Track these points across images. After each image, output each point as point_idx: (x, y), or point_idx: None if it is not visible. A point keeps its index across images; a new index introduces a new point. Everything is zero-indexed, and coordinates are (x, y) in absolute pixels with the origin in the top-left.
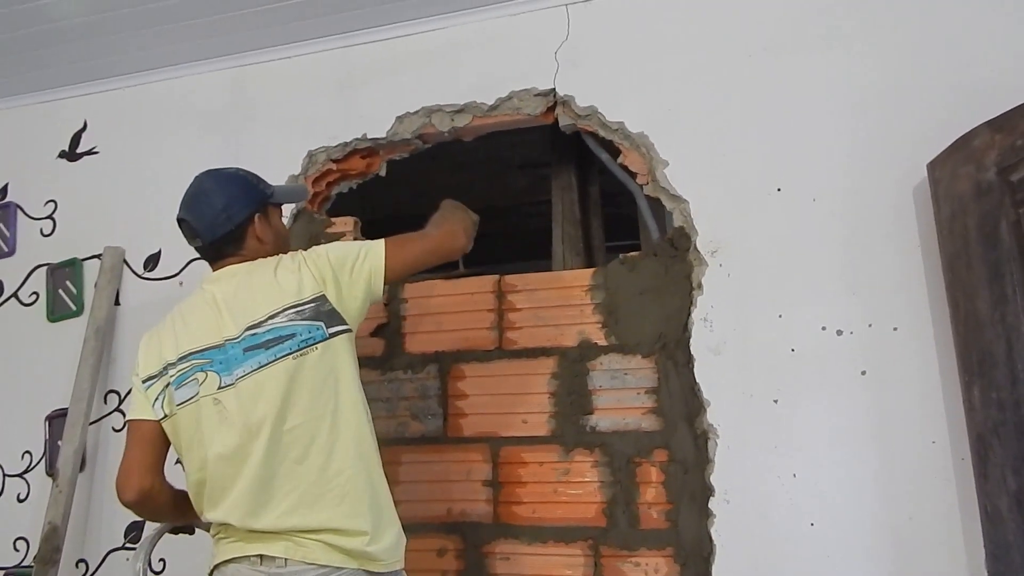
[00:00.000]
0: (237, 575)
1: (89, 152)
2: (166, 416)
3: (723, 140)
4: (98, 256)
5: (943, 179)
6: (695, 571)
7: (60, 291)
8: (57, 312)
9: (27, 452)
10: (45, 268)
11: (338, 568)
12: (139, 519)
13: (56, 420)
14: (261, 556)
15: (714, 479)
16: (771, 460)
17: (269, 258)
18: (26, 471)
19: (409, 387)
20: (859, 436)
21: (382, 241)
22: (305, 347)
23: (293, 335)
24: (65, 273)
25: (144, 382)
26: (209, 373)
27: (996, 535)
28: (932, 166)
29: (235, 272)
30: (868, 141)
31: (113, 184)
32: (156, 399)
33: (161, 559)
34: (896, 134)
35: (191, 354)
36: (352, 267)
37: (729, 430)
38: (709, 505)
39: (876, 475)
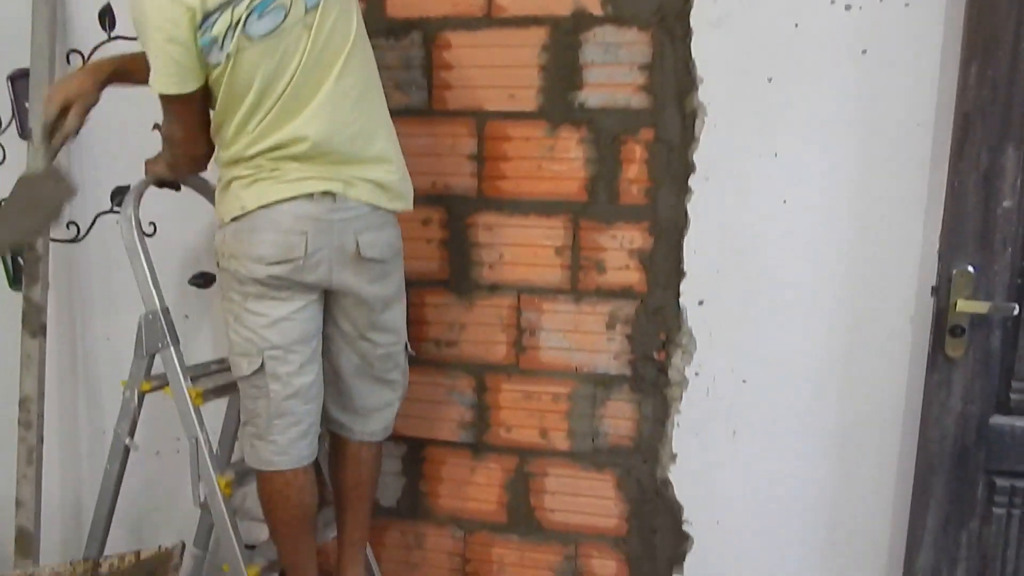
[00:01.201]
0: (300, 210)
1: None
2: (228, 56)
3: None
4: None
5: None
6: (668, 243)
7: None
8: None
9: None
10: None
11: (378, 208)
12: (124, 184)
13: (19, 80)
14: (323, 193)
15: (697, 157)
16: (756, 139)
17: None
18: None
19: (391, 56)
20: (847, 117)
21: None
22: None
23: None
24: None
25: (201, 26)
26: None
27: (956, 208)
28: None
29: None
30: None
31: None
32: (221, 39)
33: (151, 222)
34: None
35: None
36: None
37: (719, 109)
38: (688, 182)
39: (856, 156)
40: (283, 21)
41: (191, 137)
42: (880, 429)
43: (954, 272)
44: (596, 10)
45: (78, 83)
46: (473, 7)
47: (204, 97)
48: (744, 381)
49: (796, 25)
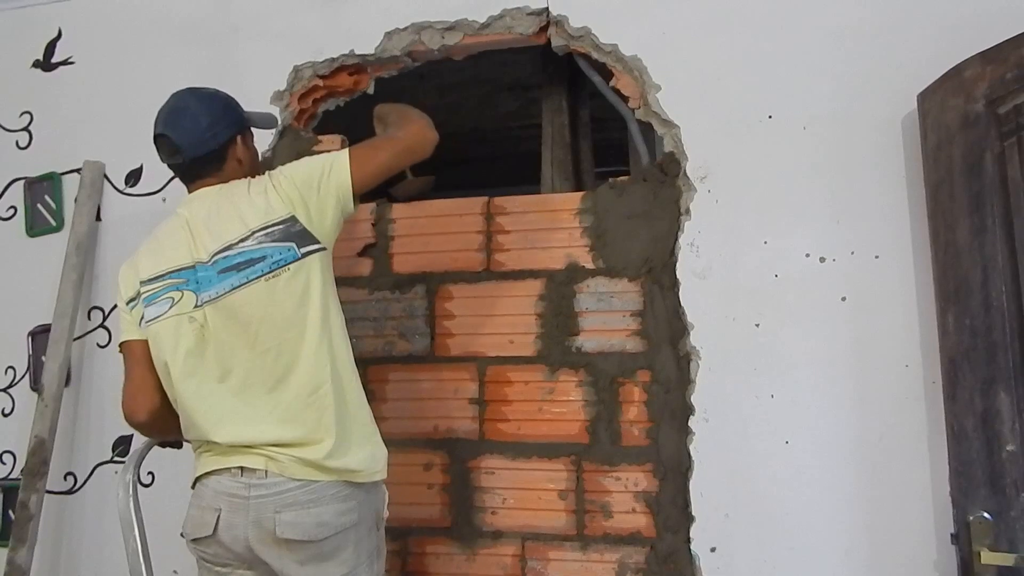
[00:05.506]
0: (219, 486)
1: (65, 62)
2: (144, 331)
3: (716, 66)
4: (77, 170)
5: (932, 109)
6: (674, 485)
7: (39, 206)
8: (36, 227)
9: (10, 367)
10: (22, 182)
11: (314, 481)
12: (127, 433)
13: (39, 336)
14: (242, 468)
15: (695, 399)
16: (750, 381)
17: (238, 181)
18: (10, 386)
19: (396, 307)
20: (836, 359)
21: (346, 152)
22: (277, 268)
23: (264, 257)
24: (43, 187)
25: (128, 304)
26: (185, 292)
27: (961, 452)
28: (922, 96)
29: (206, 194)
30: (860, 70)
31: (91, 96)
32: (140, 319)
33: (150, 472)
34: (888, 64)
35: (166, 274)
36: (319, 185)
37: (711, 352)
38: (689, 423)
39: (850, 396)
40: (167, 312)
41: (129, 390)
42: None
43: (971, 519)
44: (588, 264)
45: None
46: (473, 263)
47: (143, 358)
48: None
49: (776, 276)
